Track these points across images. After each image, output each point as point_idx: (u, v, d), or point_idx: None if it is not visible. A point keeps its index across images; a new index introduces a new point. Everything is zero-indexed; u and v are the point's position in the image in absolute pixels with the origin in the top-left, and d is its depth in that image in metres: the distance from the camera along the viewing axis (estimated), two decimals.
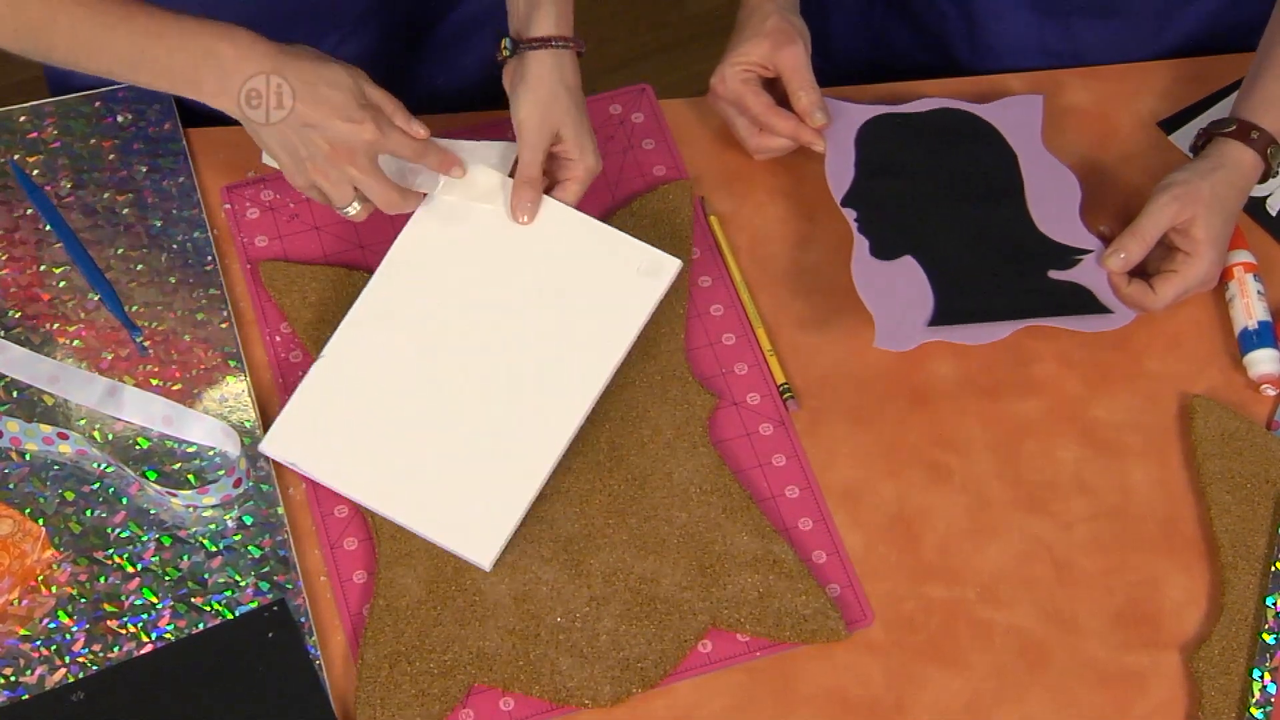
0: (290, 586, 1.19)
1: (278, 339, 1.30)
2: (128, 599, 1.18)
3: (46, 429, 1.23)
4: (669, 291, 1.28)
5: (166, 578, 1.19)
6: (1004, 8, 1.48)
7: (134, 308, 1.30)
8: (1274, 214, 1.39)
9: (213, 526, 1.21)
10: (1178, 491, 1.27)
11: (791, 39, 1.33)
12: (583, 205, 1.29)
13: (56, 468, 1.23)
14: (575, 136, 1.26)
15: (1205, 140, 1.33)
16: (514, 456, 1.21)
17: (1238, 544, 1.23)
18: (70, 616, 1.18)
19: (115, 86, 1.38)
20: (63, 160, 1.35)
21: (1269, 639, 1.20)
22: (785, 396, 1.29)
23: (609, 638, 1.18)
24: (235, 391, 1.26)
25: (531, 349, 1.24)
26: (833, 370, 1.30)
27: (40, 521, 1.20)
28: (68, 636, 1.17)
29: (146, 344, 1.28)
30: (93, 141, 1.36)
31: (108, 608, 1.18)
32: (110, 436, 1.25)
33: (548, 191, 1.28)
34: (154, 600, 1.19)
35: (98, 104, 1.38)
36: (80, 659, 1.16)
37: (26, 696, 1.15)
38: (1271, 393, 1.31)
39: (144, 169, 1.35)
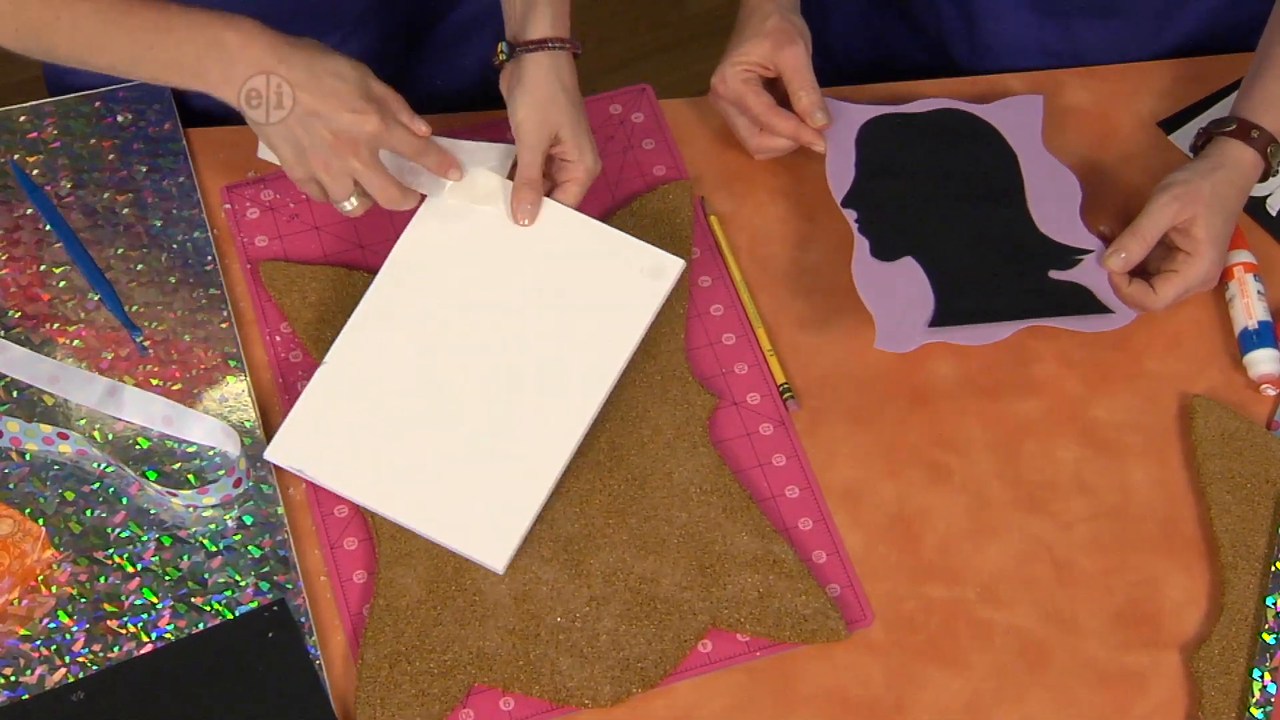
0: (290, 586, 1.19)
1: (278, 339, 1.30)
2: (128, 599, 1.18)
3: (46, 429, 1.23)
4: (670, 291, 1.28)
5: (166, 578, 1.19)
6: (1003, 8, 1.48)
7: (134, 308, 1.30)
8: (1274, 214, 1.39)
9: (213, 526, 1.21)
10: (1178, 491, 1.27)
11: (792, 39, 1.33)
12: (583, 205, 1.29)
13: (56, 468, 1.23)
14: (574, 138, 1.26)
15: (1205, 140, 1.33)
16: (522, 458, 1.21)
17: (1238, 544, 1.23)
18: (70, 616, 1.18)
19: (115, 86, 1.38)
20: (63, 160, 1.35)
21: (1269, 639, 1.20)
22: (785, 396, 1.29)
23: (609, 638, 1.18)
24: (235, 391, 1.26)
25: (536, 351, 1.24)
26: (833, 370, 1.30)
27: (40, 521, 1.20)
28: (68, 636, 1.17)
29: (146, 344, 1.28)
30: (93, 141, 1.36)
31: (108, 608, 1.18)
32: (110, 436, 1.25)
33: (548, 194, 1.28)
34: (154, 600, 1.19)
35: (98, 104, 1.38)
36: (80, 659, 1.16)
37: (26, 696, 1.15)
38: (1271, 393, 1.31)
39: (144, 169, 1.35)
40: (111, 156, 1.36)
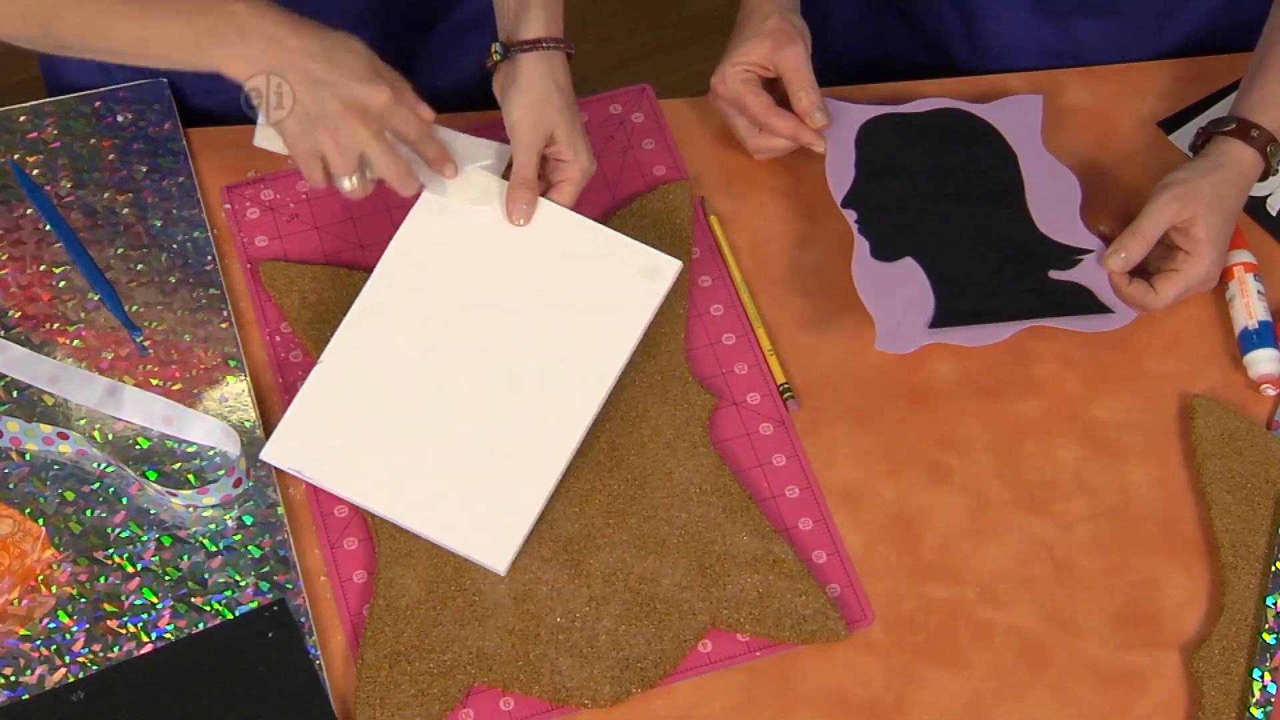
0: (290, 586, 1.19)
1: (278, 339, 1.30)
2: (128, 599, 1.18)
3: (46, 429, 1.23)
4: (669, 292, 1.28)
5: (166, 578, 1.19)
6: (1003, 8, 1.48)
7: (134, 308, 1.30)
8: (1274, 214, 1.39)
9: (213, 526, 1.21)
10: (1178, 491, 1.27)
11: (792, 39, 1.33)
12: (583, 205, 1.29)
13: (56, 468, 1.23)
14: (568, 138, 1.26)
15: (1205, 139, 1.33)
16: (523, 459, 1.21)
17: (1238, 544, 1.23)
18: (70, 616, 1.18)
19: (115, 86, 1.38)
20: (63, 160, 1.35)
21: (1269, 639, 1.20)
22: (785, 396, 1.29)
23: (609, 638, 1.18)
24: (235, 391, 1.26)
25: (533, 351, 1.24)
26: (833, 370, 1.30)
27: (40, 521, 1.20)
28: (68, 636, 1.17)
29: (146, 344, 1.28)
30: (93, 141, 1.36)
31: (108, 608, 1.18)
32: (110, 436, 1.25)
33: (544, 194, 1.28)
34: (154, 600, 1.19)
35: (98, 104, 1.38)
36: (80, 659, 1.16)
37: (26, 696, 1.15)
38: (1271, 393, 1.31)
39: (144, 169, 1.35)
40: (111, 156, 1.36)
